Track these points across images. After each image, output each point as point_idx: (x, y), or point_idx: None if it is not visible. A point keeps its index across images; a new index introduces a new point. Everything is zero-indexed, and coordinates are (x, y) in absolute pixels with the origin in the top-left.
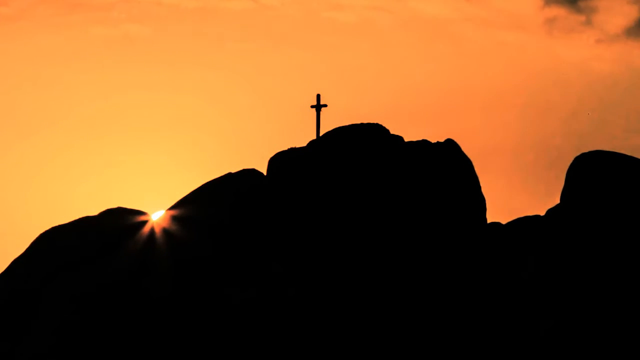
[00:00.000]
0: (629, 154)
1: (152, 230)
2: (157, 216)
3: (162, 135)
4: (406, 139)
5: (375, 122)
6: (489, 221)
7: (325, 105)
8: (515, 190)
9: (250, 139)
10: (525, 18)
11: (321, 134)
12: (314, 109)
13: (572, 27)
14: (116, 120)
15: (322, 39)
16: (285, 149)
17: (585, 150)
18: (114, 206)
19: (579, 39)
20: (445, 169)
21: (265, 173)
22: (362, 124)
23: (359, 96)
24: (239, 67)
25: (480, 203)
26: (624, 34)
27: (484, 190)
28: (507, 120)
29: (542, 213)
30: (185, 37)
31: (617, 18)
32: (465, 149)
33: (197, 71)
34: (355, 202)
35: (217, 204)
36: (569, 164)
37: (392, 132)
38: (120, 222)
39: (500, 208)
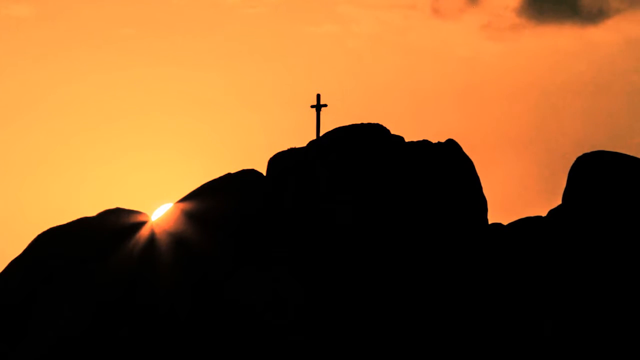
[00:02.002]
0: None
1: (151, 231)
2: (156, 216)
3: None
4: (407, 139)
5: (375, 122)
6: (490, 222)
7: (325, 105)
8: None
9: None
10: None
11: (321, 134)
12: (314, 109)
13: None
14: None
15: (323, 38)
16: (285, 149)
17: (587, 151)
18: (113, 207)
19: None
20: (446, 169)
21: (264, 173)
22: (362, 124)
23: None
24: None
25: (481, 204)
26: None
27: (485, 191)
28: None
29: (544, 214)
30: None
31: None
32: (466, 149)
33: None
34: (355, 202)
35: (216, 204)
36: (570, 164)
37: (392, 132)
38: (119, 222)
39: (502, 209)
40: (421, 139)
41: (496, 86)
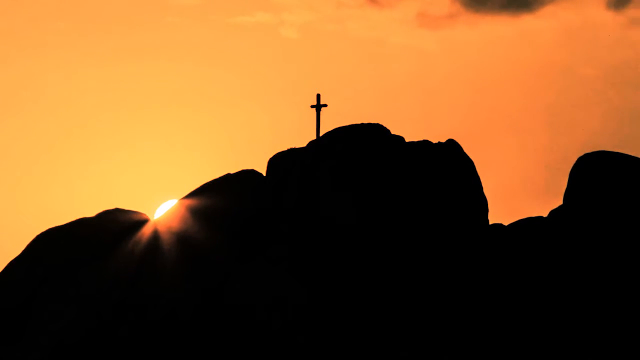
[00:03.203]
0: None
1: (151, 230)
2: (157, 215)
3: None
4: (407, 139)
5: (375, 122)
6: (491, 222)
7: (325, 105)
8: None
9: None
10: None
11: (321, 134)
12: (314, 109)
13: None
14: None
15: (323, 38)
16: (285, 149)
17: (589, 151)
18: (111, 207)
19: None
20: (447, 169)
21: (264, 173)
22: (362, 124)
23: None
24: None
25: (482, 204)
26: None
27: (485, 191)
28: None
29: (545, 214)
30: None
31: None
32: (467, 149)
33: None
34: (355, 202)
35: (216, 204)
36: (572, 164)
37: (392, 132)
38: (118, 223)
39: (503, 209)
40: (420, 139)
41: (433, 75)
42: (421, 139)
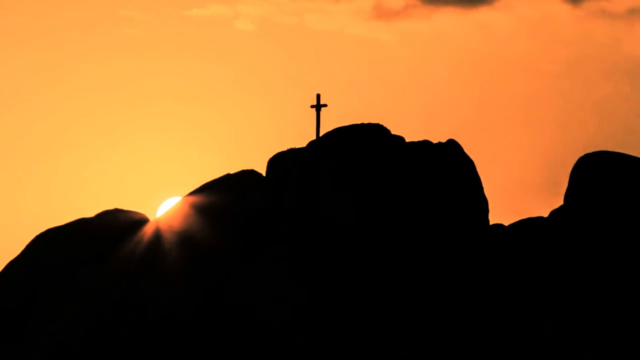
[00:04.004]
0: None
1: (150, 231)
2: (157, 215)
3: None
4: (407, 139)
5: (375, 122)
6: (491, 222)
7: (325, 105)
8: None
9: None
10: None
11: (321, 134)
12: (314, 109)
13: None
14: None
15: (279, 31)
16: (285, 149)
17: (590, 151)
18: (111, 207)
19: None
20: (447, 169)
21: (264, 173)
22: (362, 124)
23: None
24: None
25: (482, 204)
26: None
27: (486, 191)
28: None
29: (546, 214)
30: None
31: None
32: (467, 149)
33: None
34: (355, 203)
35: (215, 205)
36: (572, 164)
37: (392, 132)
38: (117, 223)
39: (503, 209)
40: (420, 139)
41: (391, 66)
42: (421, 139)
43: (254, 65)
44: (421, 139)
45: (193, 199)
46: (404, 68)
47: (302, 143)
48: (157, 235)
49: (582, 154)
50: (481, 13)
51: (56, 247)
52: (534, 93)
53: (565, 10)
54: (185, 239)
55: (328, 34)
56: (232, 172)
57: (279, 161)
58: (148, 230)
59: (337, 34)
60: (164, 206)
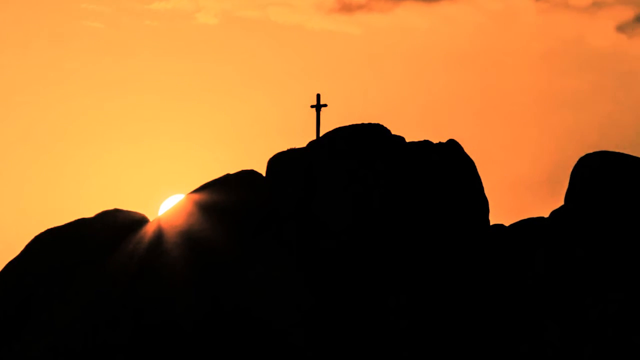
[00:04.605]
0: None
1: (150, 231)
2: (154, 217)
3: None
4: (407, 140)
5: (376, 122)
6: (492, 223)
7: (325, 105)
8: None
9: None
10: None
11: (321, 134)
12: (314, 109)
13: None
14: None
15: (242, 25)
16: (285, 149)
17: (590, 151)
18: (110, 208)
19: None
20: (448, 169)
21: (264, 174)
22: (362, 124)
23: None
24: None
25: (483, 204)
26: None
27: (486, 191)
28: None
29: (546, 215)
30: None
31: None
32: (468, 149)
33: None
34: (355, 203)
35: (215, 205)
36: (573, 164)
37: (393, 132)
38: (117, 223)
39: (504, 209)
40: (420, 139)
41: (356, 60)
42: (422, 139)
43: (215, 60)
44: (421, 139)
45: (192, 199)
46: (369, 61)
47: (302, 143)
48: (158, 235)
49: (582, 154)
50: (444, 6)
51: (55, 247)
52: (498, 84)
53: (529, 3)
54: (187, 238)
55: (291, 27)
56: (232, 172)
57: (279, 161)
58: (148, 229)
59: (301, 27)
60: (165, 205)
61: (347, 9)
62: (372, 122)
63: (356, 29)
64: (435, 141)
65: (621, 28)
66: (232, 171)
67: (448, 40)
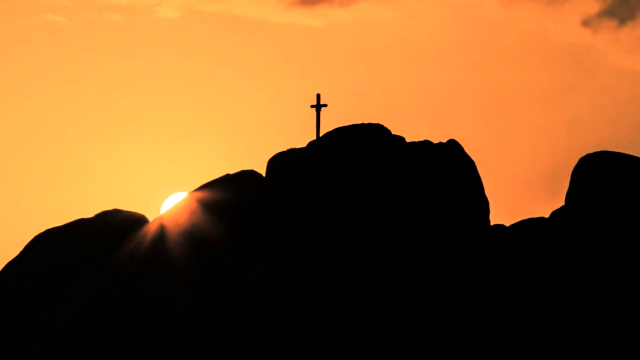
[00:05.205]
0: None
1: (150, 231)
2: (154, 216)
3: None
4: (408, 140)
5: (376, 122)
6: (492, 223)
7: (325, 105)
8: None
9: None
10: None
11: (321, 134)
12: (314, 109)
13: None
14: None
15: (203, 18)
16: (285, 149)
17: (591, 151)
18: (110, 208)
19: None
20: (448, 169)
21: (264, 174)
22: (362, 124)
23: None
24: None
25: (483, 204)
26: None
27: (487, 191)
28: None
29: (547, 215)
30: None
31: None
32: (468, 149)
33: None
34: (356, 203)
35: (215, 205)
36: (574, 164)
37: (393, 132)
38: (116, 223)
39: (504, 210)
40: (420, 139)
41: (321, 54)
42: (422, 139)
43: (177, 54)
44: (422, 139)
45: (191, 200)
46: (335, 54)
47: (302, 143)
48: (161, 233)
49: (583, 154)
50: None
51: (55, 247)
52: (460, 77)
53: None
54: (188, 238)
55: (254, 20)
56: (232, 172)
57: (279, 161)
58: (151, 228)
59: (263, 21)
60: (168, 203)
61: (308, 2)
62: (372, 122)
63: (319, 22)
64: (435, 141)
65: (586, 22)
66: (232, 171)
67: (411, 34)
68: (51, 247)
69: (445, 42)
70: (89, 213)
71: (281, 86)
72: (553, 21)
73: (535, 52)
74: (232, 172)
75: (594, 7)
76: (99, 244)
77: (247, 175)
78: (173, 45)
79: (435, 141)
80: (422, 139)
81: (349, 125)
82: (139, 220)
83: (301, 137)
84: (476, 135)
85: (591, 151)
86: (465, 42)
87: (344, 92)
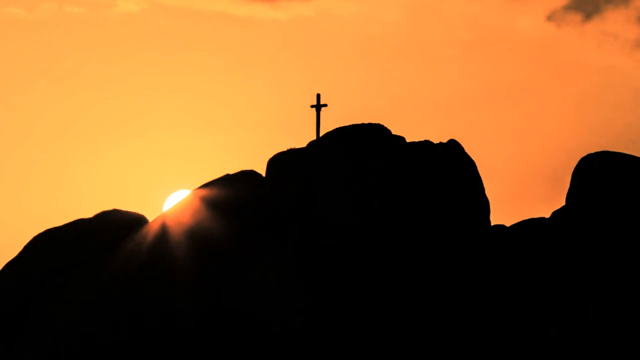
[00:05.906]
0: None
1: (152, 231)
2: (153, 216)
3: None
4: (408, 140)
5: (376, 122)
6: (493, 223)
7: (325, 105)
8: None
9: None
10: None
11: (321, 134)
12: (314, 109)
13: None
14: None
15: (164, 12)
16: (285, 149)
17: (592, 151)
18: (109, 208)
19: None
20: (448, 170)
21: (264, 174)
22: (362, 124)
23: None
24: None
25: (484, 205)
26: None
27: (487, 192)
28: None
29: (548, 215)
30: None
31: None
32: (468, 149)
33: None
34: (356, 204)
35: (214, 205)
36: (574, 164)
37: (393, 132)
38: (116, 223)
39: (505, 210)
40: (421, 139)
41: (283, 48)
42: (422, 139)
43: (139, 48)
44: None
45: (191, 200)
46: (297, 48)
47: (302, 143)
48: (162, 233)
49: (584, 154)
50: None
51: (54, 248)
52: (429, 75)
53: None
54: (188, 238)
55: (215, 14)
56: (231, 172)
57: (279, 161)
58: (152, 227)
59: (224, 14)
60: (169, 201)
61: None
62: (372, 122)
63: (281, 15)
64: (435, 141)
65: (551, 17)
66: (232, 171)
67: (374, 28)
68: (51, 247)
69: (409, 36)
70: (89, 213)
71: (281, 87)
72: (518, 14)
73: (499, 44)
74: (232, 172)
75: (559, 2)
76: (98, 244)
77: (247, 175)
78: (134, 40)
79: (435, 141)
80: (422, 139)
81: (349, 125)
82: (139, 220)
83: (301, 137)
84: (476, 135)
85: (591, 151)
86: (431, 36)
87: (344, 92)
